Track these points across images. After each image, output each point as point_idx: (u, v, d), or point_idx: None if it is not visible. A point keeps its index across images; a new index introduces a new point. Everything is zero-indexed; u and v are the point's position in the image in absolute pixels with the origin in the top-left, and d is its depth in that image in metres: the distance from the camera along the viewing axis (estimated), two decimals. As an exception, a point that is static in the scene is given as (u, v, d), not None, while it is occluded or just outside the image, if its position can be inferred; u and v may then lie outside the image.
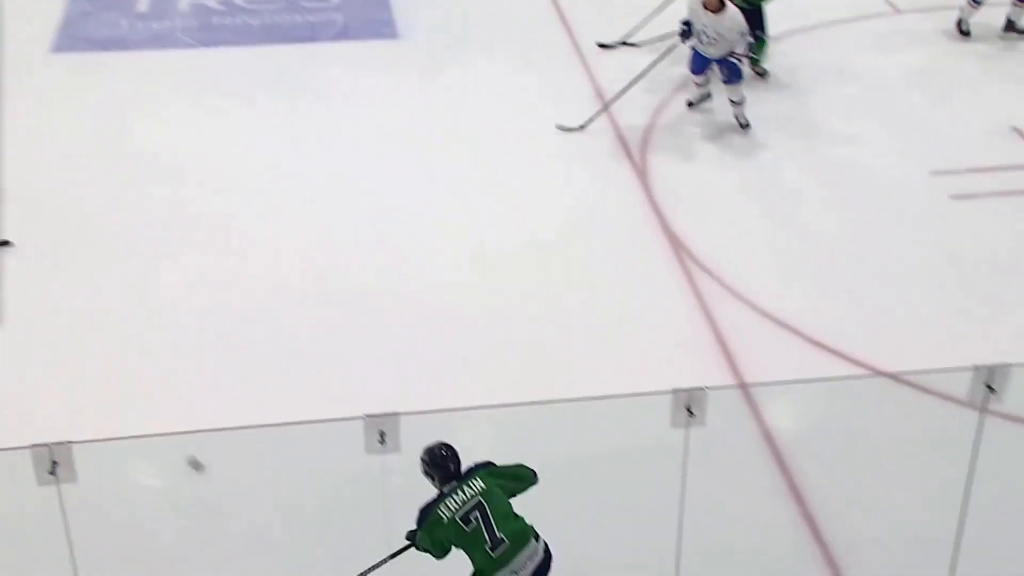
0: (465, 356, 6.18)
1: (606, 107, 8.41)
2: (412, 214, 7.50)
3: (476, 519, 4.27)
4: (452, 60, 9.46)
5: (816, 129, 8.42)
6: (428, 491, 4.30)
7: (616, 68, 8.98)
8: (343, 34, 10.08)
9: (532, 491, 4.38)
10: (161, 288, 6.71)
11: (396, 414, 3.77)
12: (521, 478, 4.46)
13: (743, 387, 5.90)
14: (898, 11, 10.09)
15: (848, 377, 5.85)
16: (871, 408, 5.61)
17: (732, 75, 8.15)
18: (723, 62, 8.11)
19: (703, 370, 6.02)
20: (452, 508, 4.29)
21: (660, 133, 8.37)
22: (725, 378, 6.00)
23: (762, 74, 8.98)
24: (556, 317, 6.50)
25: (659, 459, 4.41)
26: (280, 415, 3.99)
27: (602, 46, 9.46)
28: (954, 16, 9.58)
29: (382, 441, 3.75)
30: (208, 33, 9.95)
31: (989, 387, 3.91)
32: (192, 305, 6.57)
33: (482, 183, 7.85)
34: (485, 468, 4.42)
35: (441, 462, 4.37)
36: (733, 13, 7.92)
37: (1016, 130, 8.16)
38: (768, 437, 5.59)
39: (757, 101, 8.62)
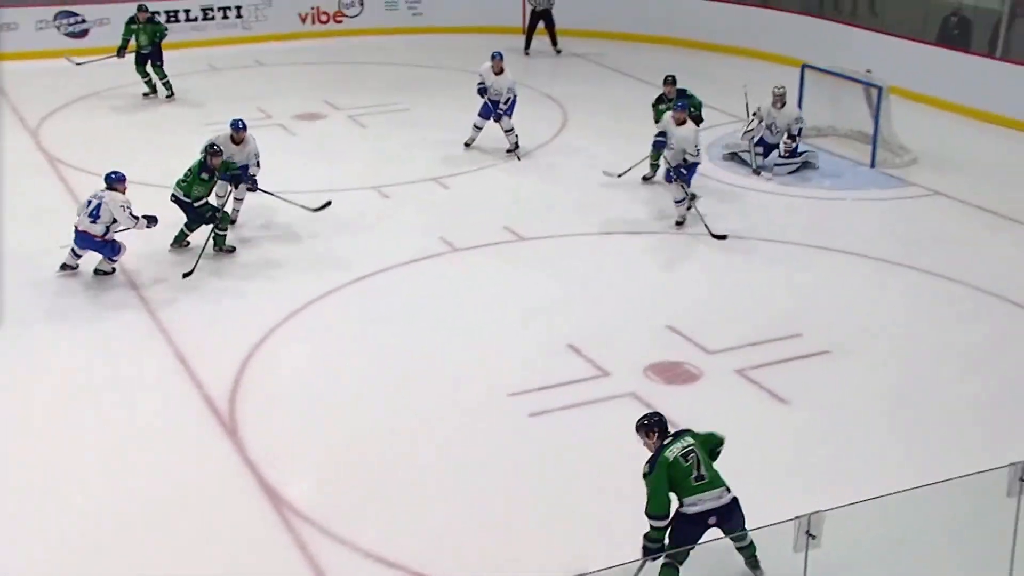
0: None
1: None
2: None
3: (692, 459, 5.99)
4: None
5: (389, 367, 8.76)
6: None
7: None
8: None
9: None
10: None
11: None
12: (713, 440, 6.26)
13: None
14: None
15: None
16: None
17: None
18: None
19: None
20: (675, 451, 6.01)
21: (248, 388, 8.39)
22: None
23: None
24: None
25: None
26: None
27: None
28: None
29: None
30: None
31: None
32: None
33: (52, 470, 7.42)
34: (687, 431, 6.17)
35: (659, 422, 6.18)
36: None
37: (570, 346, 8.99)
38: None
39: (344, 347, 8.93)
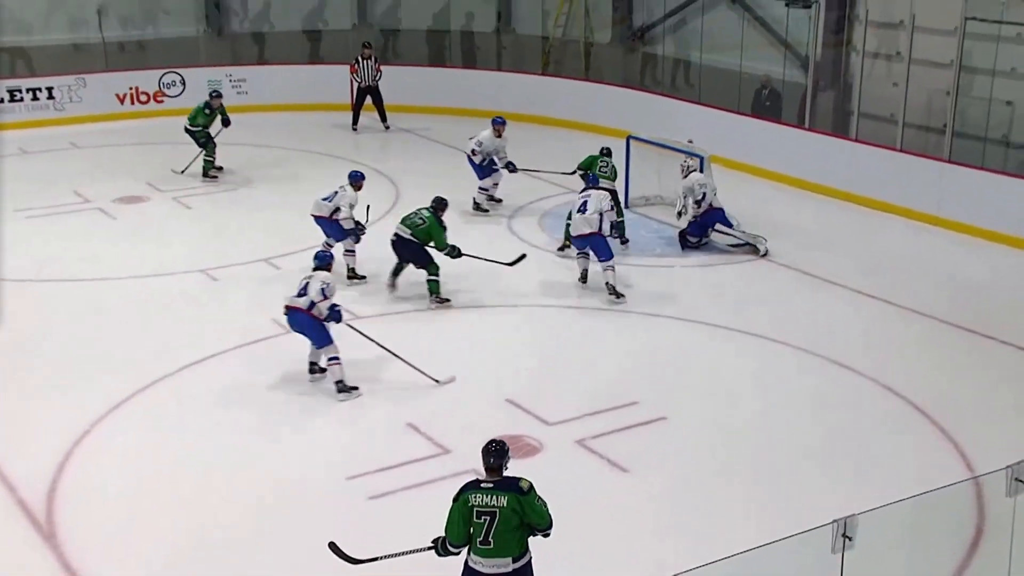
0: None
1: None
2: None
3: (484, 520, 5.73)
4: None
5: (219, 456, 8.43)
6: None
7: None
8: None
9: None
10: None
11: None
12: (539, 523, 5.80)
13: None
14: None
15: None
16: None
17: None
18: None
19: None
20: (477, 501, 5.77)
21: (67, 488, 7.89)
22: None
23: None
24: None
25: None
26: None
27: None
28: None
29: None
30: None
31: None
32: None
33: None
34: (521, 493, 5.75)
35: (484, 453, 5.92)
36: None
37: (409, 425, 8.85)
38: None
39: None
